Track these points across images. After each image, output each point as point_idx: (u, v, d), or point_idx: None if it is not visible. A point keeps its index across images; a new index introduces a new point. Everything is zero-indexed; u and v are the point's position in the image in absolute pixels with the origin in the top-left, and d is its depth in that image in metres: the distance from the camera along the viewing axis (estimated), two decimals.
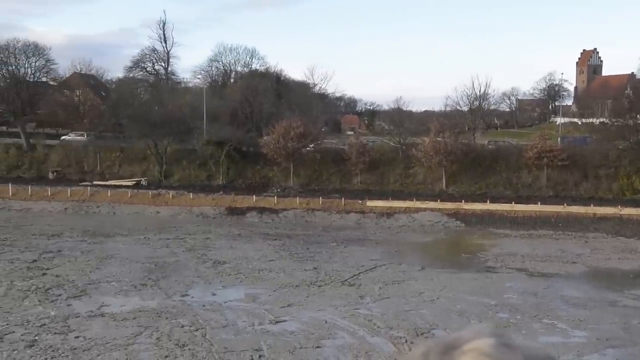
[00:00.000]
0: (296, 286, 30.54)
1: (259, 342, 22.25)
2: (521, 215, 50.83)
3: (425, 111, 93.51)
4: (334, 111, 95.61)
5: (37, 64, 73.46)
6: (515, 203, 52.18)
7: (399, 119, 71.14)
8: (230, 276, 32.66)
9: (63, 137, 68.72)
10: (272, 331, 23.65)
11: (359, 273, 33.59)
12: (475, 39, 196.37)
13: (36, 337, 22.13)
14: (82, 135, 68.18)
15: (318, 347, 22.17)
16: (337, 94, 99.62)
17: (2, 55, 70.88)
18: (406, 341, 22.75)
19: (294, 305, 27.24)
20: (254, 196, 54.37)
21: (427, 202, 52.86)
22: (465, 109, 78.40)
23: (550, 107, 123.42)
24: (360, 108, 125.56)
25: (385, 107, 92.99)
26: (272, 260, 36.58)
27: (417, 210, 51.58)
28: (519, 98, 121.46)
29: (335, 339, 23.13)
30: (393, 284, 31.41)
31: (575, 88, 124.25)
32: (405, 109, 78.47)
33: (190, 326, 23.86)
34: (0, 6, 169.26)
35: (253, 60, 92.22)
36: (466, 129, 73.02)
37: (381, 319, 25.39)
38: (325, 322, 24.82)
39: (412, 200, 53.16)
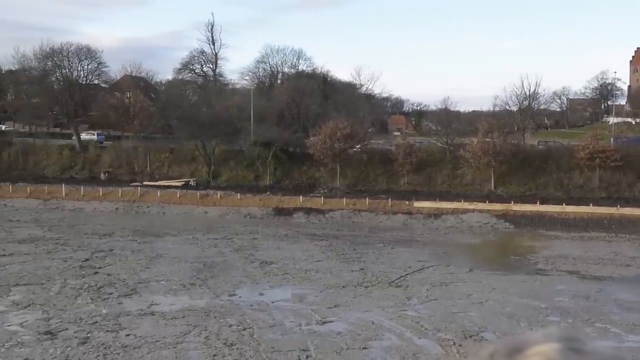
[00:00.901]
0: (343, 287, 30.50)
1: (306, 343, 22.28)
2: (572, 216, 49.83)
3: (473, 111, 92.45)
4: (380, 112, 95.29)
5: (89, 66, 75.18)
6: (566, 204, 51.19)
7: (447, 119, 70.52)
8: (278, 276, 32.80)
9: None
10: (319, 331, 23.66)
11: (406, 274, 33.37)
12: (525, 37, 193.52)
13: (89, 335, 22.58)
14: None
15: (365, 348, 22.09)
16: (384, 95, 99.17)
17: (56, 59, 72.64)
18: (454, 343, 22.50)
19: (340, 305, 27.20)
20: (301, 197, 54.53)
21: (475, 203, 52.23)
22: (515, 108, 77.22)
23: (602, 107, 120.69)
24: (407, 108, 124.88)
25: (433, 108, 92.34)
26: (319, 260, 36.62)
27: (465, 212, 51.03)
28: (570, 97, 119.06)
29: (382, 340, 23.01)
30: (440, 286, 31.12)
31: (629, 87, 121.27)
32: (453, 109, 77.73)
33: (238, 326, 24.02)
34: (56, 10, 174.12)
35: (300, 61, 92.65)
36: (515, 129, 71.95)
37: (428, 320, 25.18)
38: (372, 323, 24.72)
39: (460, 201, 52.62)
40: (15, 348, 21.11)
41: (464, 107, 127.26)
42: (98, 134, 73.74)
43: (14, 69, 79.95)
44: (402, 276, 32.90)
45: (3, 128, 79.54)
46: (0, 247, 38.25)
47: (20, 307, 25.89)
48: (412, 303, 27.94)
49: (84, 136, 71.92)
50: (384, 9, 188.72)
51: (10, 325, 23.44)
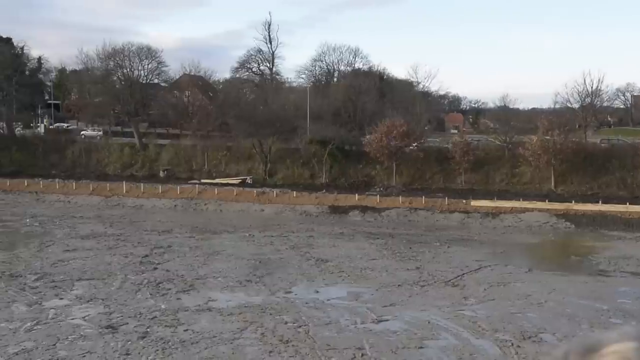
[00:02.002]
0: (399, 285, 30.34)
1: (361, 341, 22.24)
2: (636, 216, 48.39)
3: (533, 109, 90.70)
4: (437, 109, 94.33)
5: (149, 66, 76.66)
6: (630, 204, 49.74)
7: (505, 116, 69.41)
8: (333, 274, 32.84)
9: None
10: (374, 330, 23.59)
11: (463, 274, 32.98)
12: (587, 32, 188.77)
13: (148, 329, 23.04)
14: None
15: (421, 347, 21.93)
16: (441, 92, 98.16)
17: (118, 59, 74.32)
18: (512, 345, 22.13)
19: (396, 304, 27.07)
20: (357, 195, 54.46)
21: (534, 202, 51.25)
22: (576, 106, 75.32)
23: None
24: (465, 106, 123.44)
25: (491, 105, 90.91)
26: (374, 259, 36.52)
27: (524, 211, 50.12)
28: (635, 94, 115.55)
29: (438, 340, 22.81)
30: (498, 286, 30.65)
31: None
32: (511, 106, 76.37)
33: (294, 323, 24.15)
34: (119, 12, 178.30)
35: (356, 59, 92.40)
36: (577, 127, 70.19)
37: (486, 321, 24.82)
38: (429, 322, 24.52)
39: (519, 200, 51.71)
40: (78, 341, 21.69)
41: (523, 105, 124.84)
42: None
43: (77, 69, 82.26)
44: (458, 275, 32.53)
45: (67, 127, 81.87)
46: (65, 243, 39.38)
47: (83, 302, 26.61)
48: (469, 303, 27.60)
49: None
50: (441, 5, 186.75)
51: (73, 319, 24.11)
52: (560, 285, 30.81)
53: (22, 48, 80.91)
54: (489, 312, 26.01)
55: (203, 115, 69.73)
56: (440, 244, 41.33)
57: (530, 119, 70.81)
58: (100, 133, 75.34)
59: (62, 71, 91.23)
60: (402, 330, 23.62)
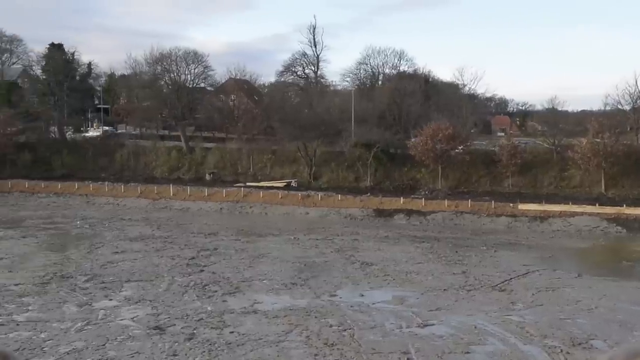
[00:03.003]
0: (445, 290, 30.06)
1: (407, 345, 22.09)
2: None
3: (582, 111, 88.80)
4: (483, 112, 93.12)
5: (196, 70, 77.50)
6: None
7: (554, 119, 68.24)
8: (378, 278, 32.71)
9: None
10: (420, 334, 23.41)
11: (511, 278, 32.50)
12: (638, 32, 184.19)
13: (194, 331, 23.29)
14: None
15: (467, 352, 21.68)
16: (487, 95, 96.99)
17: (165, 63, 75.39)
18: (561, 351, 21.71)
19: (442, 309, 26.82)
20: (402, 198, 54.18)
21: (584, 206, 50.24)
22: (627, 107, 73.57)
23: None
24: (512, 108, 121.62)
25: (539, 107, 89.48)
26: (419, 262, 36.26)
27: (573, 215, 49.16)
28: None
29: (485, 345, 22.51)
30: (547, 291, 30.11)
31: None
32: (560, 108, 75.03)
33: (339, 326, 24.12)
34: (166, 17, 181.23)
35: (401, 62, 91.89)
36: (628, 129, 68.59)
37: (534, 326, 24.41)
38: (475, 327, 24.23)
39: (568, 203, 50.74)
40: (127, 342, 22.04)
41: (572, 107, 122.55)
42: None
43: (126, 74, 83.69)
44: (506, 280, 32.08)
45: (116, 130, 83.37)
46: (114, 245, 40.10)
47: (132, 303, 27.04)
48: (516, 308, 27.20)
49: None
50: (487, 7, 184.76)
51: (122, 320, 24.52)
52: (611, 291, 30.13)
53: (73, 54, 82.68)
54: (538, 318, 25.57)
55: (248, 118, 70.22)
56: (487, 248, 40.82)
57: (580, 121, 69.43)
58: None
59: (111, 76, 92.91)
60: (448, 334, 23.39)
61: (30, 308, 25.98)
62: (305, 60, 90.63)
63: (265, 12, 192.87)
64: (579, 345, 22.24)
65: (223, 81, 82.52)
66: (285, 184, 61.85)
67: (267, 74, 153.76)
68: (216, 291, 29.17)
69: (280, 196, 57.03)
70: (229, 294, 28.74)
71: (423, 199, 54.38)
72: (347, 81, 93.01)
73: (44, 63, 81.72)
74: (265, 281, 31.42)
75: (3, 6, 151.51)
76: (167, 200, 58.53)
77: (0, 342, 21.32)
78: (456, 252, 39.48)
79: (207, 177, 65.92)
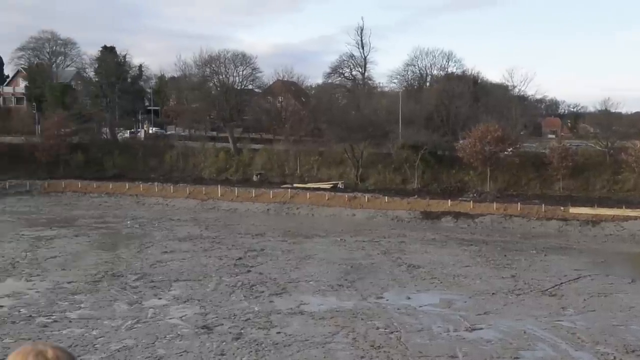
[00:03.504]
0: (493, 294, 29.67)
1: (454, 349, 21.88)
2: None
3: (637, 112, 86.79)
4: (533, 114, 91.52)
5: (244, 72, 78.15)
6: None
7: (607, 121, 66.73)
8: (425, 280, 32.47)
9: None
10: (467, 338, 23.15)
11: (561, 283, 31.89)
12: None
13: (242, 331, 23.47)
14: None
15: (516, 358, 21.36)
16: (538, 96, 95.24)
17: (214, 65, 76.23)
18: (614, 358, 21.23)
19: (490, 313, 26.47)
20: (449, 200, 53.67)
21: (638, 210, 48.94)
22: None
23: None
24: (563, 110, 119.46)
25: (591, 109, 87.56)
26: (467, 266, 35.86)
27: (627, 219, 47.96)
28: None
29: (534, 351, 22.14)
30: (599, 296, 29.45)
31: None
32: (613, 110, 73.28)
33: (385, 328, 24.01)
34: (216, 19, 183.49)
35: (449, 63, 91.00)
36: None
37: (586, 332, 23.90)
38: (524, 332, 23.84)
39: (621, 207, 49.51)
40: (176, 340, 22.34)
41: (626, 108, 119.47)
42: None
43: (176, 76, 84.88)
44: (556, 285, 31.49)
45: (166, 132, 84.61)
46: (163, 245, 40.71)
47: (180, 302, 27.40)
48: (567, 313, 26.67)
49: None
50: (537, 8, 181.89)
51: (171, 319, 24.87)
52: None
53: (124, 56, 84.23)
54: (589, 324, 25.03)
55: (296, 120, 70.50)
56: (537, 252, 40.13)
57: (634, 123, 67.88)
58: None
59: (161, 78, 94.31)
60: (497, 339, 23.08)
61: (82, 306, 26.56)
62: (353, 61, 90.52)
63: (313, 14, 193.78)
64: (632, 353, 21.70)
65: (271, 83, 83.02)
66: (332, 185, 61.88)
67: (314, 76, 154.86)
68: (263, 292, 29.34)
69: (327, 197, 57.09)
70: (275, 295, 28.88)
71: (471, 201, 53.77)
72: (395, 83, 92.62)
73: (96, 65, 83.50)
74: (311, 282, 31.48)
75: (58, 10, 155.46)
76: (215, 201, 59.15)
77: (54, 338, 21.84)
78: (505, 255, 38.93)
79: (255, 178, 66.38)
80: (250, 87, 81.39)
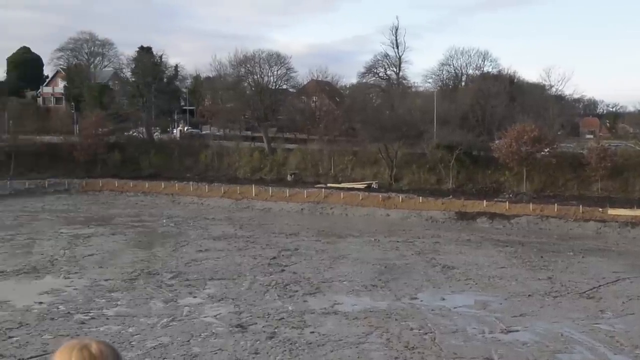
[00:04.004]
0: (529, 295, 29.31)
1: (489, 351, 21.67)
2: None
3: None
4: (571, 113, 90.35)
5: (278, 72, 78.42)
6: None
7: None
8: (460, 282, 32.22)
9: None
10: (503, 340, 22.91)
11: (599, 285, 31.36)
12: None
13: (276, 330, 23.54)
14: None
15: None
16: (576, 96, 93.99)
17: (249, 65, 76.64)
18: None
19: (526, 315, 26.16)
20: (485, 201, 53.17)
21: None
22: None
23: None
24: (601, 110, 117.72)
25: (631, 109, 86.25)
26: (503, 267, 35.49)
27: None
28: None
29: (572, 354, 21.82)
30: (638, 300, 28.89)
31: None
32: None
33: (420, 329, 23.88)
34: (251, 19, 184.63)
35: (485, 63, 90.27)
36: None
37: (625, 336, 23.48)
38: (561, 335, 23.51)
39: None
40: (210, 339, 22.50)
41: None
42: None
43: (211, 76, 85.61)
44: (594, 287, 30.98)
45: (201, 131, 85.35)
46: (198, 243, 41.05)
47: (215, 300, 27.59)
48: (605, 316, 26.23)
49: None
50: (575, 6, 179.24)
51: (205, 317, 25.05)
52: None
53: (160, 56, 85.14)
54: (628, 327, 24.58)
55: (330, 120, 70.54)
56: (574, 254, 39.53)
57: None
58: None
59: (196, 78, 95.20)
60: (533, 342, 22.79)
61: (119, 303, 26.90)
62: (387, 61, 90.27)
63: (347, 14, 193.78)
64: None
65: (305, 83, 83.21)
66: (366, 185, 61.76)
67: (348, 76, 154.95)
68: (297, 291, 29.40)
69: (360, 197, 57.00)
70: (309, 294, 28.91)
71: (507, 202, 53.19)
72: (429, 82, 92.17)
73: (133, 66, 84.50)
74: (345, 282, 31.45)
75: (97, 12, 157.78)
76: (250, 200, 59.45)
77: (91, 335, 22.16)
78: (541, 257, 38.43)
79: (289, 177, 66.56)
80: (284, 87, 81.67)
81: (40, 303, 26.45)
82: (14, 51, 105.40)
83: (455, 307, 27.12)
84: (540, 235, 46.61)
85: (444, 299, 28.58)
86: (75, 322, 24.13)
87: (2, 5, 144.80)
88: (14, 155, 65.08)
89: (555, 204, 51.16)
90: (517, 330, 24.05)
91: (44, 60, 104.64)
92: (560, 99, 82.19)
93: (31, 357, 20.42)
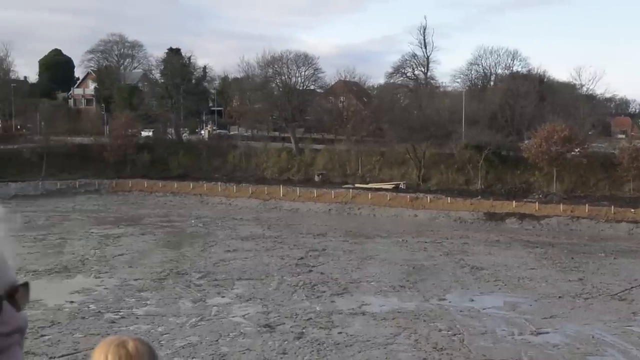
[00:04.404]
0: (559, 297, 28.97)
1: (519, 353, 21.48)
2: None
3: None
4: (602, 113, 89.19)
5: (306, 73, 78.53)
6: None
7: None
8: (489, 283, 31.96)
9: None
10: (533, 342, 22.69)
11: (632, 287, 30.87)
12: None
13: (303, 330, 23.57)
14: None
15: None
16: (607, 95, 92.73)
17: (276, 66, 76.88)
18: None
19: (557, 316, 25.86)
20: (514, 201, 52.68)
21: None
22: None
23: None
24: (634, 109, 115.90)
25: None
26: (532, 268, 35.12)
27: None
28: None
29: (603, 357, 21.54)
30: None
31: None
32: None
33: (448, 331, 23.75)
34: (279, 21, 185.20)
35: (514, 62, 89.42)
36: None
37: None
38: (593, 337, 23.21)
39: None
40: (239, 338, 22.61)
41: None
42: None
43: (239, 77, 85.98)
44: (626, 289, 30.51)
45: (229, 132, 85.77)
46: (226, 244, 41.25)
47: (243, 300, 27.72)
48: (638, 319, 25.85)
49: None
50: (607, 4, 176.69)
51: (234, 317, 25.18)
52: None
53: (189, 58, 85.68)
54: None
55: (357, 120, 70.46)
56: (606, 255, 38.97)
57: None
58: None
59: (224, 79, 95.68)
60: (564, 344, 22.53)
61: (148, 302, 27.16)
62: (415, 61, 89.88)
63: (375, 14, 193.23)
64: None
65: (332, 83, 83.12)
66: (393, 185, 61.54)
67: (376, 76, 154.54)
68: (324, 291, 29.40)
69: (388, 198, 56.81)
70: (337, 295, 28.90)
71: (536, 202, 52.63)
72: (458, 82, 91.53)
73: (162, 67, 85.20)
74: (373, 283, 31.38)
75: (127, 14, 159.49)
76: (277, 200, 59.58)
77: (121, 334, 22.35)
78: (572, 258, 37.95)
79: (316, 178, 66.58)
80: (312, 87, 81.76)
81: (72, 302, 26.79)
82: (46, 53, 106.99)
83: (484, 309, 26.91)
84: (570, 236, 46.04)
85: (472, 300, 28.37)
86: (105, 321, 24.41)
87: (35, 8, 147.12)
88: (46, 156, 66.03)
89: (586, 205, 50.50)
90: (548, 332, 23.80)
91: (75, 62, 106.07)
92: (591, 98, 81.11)
93: (62, 355, 20.69)
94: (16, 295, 1.36)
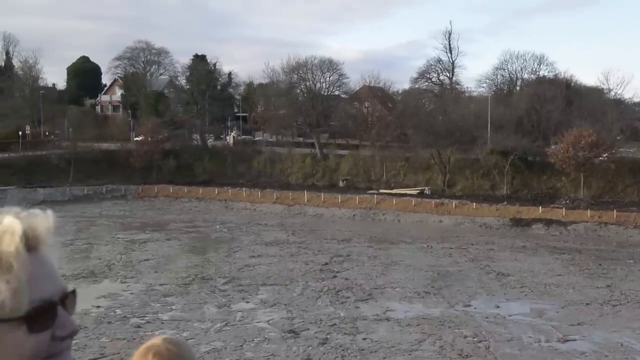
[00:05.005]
0: (587, 304, 28.60)
1: None
2: None
3: None
4: (631, 118, 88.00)
5: (331, 78, 78.65)
6: None
7: None
8: (515, 289, 31.66)
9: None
10: (560, 350, 22.42)
11: None
12: None
13: (328, 336, 23.53)
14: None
15: None
16: (636, 99, 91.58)
17: (301, 72, 77.11)
18: None
19: (584, 324, 25.53)
20: (540, 207, 52.17)
21: None
22: None
23: None
24: None
25: None
26: (559, 275, 34.73)
27: None
28: None
29: None
30: None
31: None
32: None
33: (474, 337, 23.56)
34: (304, 27, 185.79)
35: (541, 67, 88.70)
36: None
37: None
38: (621, 345, 22.88)
39: None
40: (263, 344, 22.64)
41: None
42: None
43: (264, 83, 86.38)
44: None
45: (254, 138, 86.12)
46: (250, 249, 41.37)
47: (267, 306, 27.75)
48: None
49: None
50: (635, 8, 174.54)
51: (258, 322, 25.22)
52: None
53: (214, 64, 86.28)
54: None
55: (382, 125, 70.36)
56: (635, 262, 38.41)
57: None
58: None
59: (249, 85, 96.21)
60: (592, 351, 22.23)
61: (173, 307, 27.31)
62: (440, 66, 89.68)
63: (400, 20, 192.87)
64: None
65: (357, 88, 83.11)
66: (418, 191, 61.29)
67: (401, 81, 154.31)
68: (349, 297, 29.35)
69: (413, 203, 56.59)
70: (361, 301, 28.83)
71: (563, 208, 52.09)
72: (483, 87, 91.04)
73: (188, 74, 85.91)
74: (397, 289, 31.26)
75: (153, 21, 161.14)
76: (302, 206, 59.65)
77: (147, 339, 22.48)
78: (600, 264, 37.47)
79: (341, 183, 66.56)
80: (336, 93, 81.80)
81: (98, 307, 27.01)
82: (74, 61, 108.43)
83: (510, 315, 26.67)
84: (598, 242, 45.47)
85: (498, 307, 28.12)
86: (131, 325, 24.58)
87: (64, 16, 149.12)
88: (74, 162, 66.82)
89: (614, 210, 49.84)
90: (575, 340, 23.50)
91: (102, 69, 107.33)
92: (619, 102, 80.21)
93: None
94: (66, 301, 1.39)
